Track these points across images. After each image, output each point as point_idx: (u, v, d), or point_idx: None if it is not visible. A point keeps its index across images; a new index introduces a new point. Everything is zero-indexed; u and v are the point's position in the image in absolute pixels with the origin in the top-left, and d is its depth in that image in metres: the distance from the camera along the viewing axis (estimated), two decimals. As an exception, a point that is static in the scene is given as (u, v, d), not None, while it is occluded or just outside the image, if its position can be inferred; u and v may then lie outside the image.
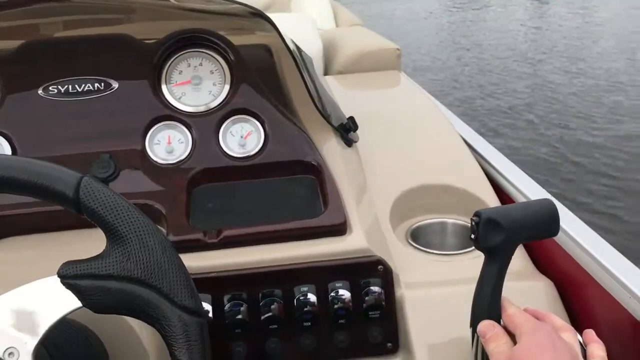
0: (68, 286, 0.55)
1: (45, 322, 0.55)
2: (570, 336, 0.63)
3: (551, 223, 0.68)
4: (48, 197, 0.57)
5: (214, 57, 1.00)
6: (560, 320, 0.66)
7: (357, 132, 1.12)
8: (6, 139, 0.92)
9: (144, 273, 0.54)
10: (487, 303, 0.66)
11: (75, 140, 0.92)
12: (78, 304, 0.55)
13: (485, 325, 0.65)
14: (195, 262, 0.80)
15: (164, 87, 0.98)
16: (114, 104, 0.95)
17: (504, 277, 0.67)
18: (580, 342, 0.65)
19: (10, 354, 0.54)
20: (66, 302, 0.55)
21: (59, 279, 0.55)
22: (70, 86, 0.95)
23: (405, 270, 0.88)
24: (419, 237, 1.01)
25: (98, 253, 0.57)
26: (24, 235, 0.88)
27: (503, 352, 0.62)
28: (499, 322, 0.66)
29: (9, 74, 0.95)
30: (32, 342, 0.54)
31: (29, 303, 0.55)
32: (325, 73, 1.80)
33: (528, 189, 1.04)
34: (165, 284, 0.54)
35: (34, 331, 0.55)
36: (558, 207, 0.93)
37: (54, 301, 0.55)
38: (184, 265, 0.57)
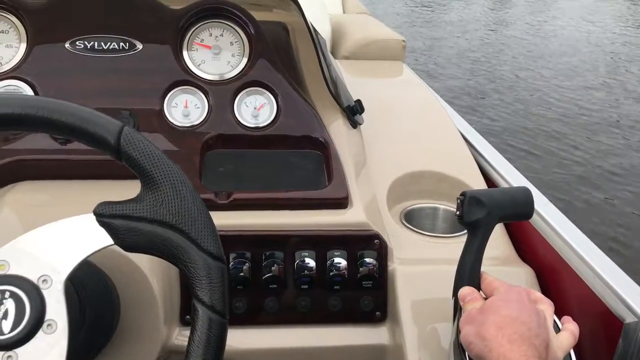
0: (102, 224, 0.59)
1: (79, 255, 0.59)
2: (546, 307, 0.68)
3: (526, 206, 0.75)
4: (90, 141, 0.61)
5: (235, 30, 1.04)
6: (539, 294, 0.71)
7: (362, 116, 1.18)
8: (31, 87, 0.96)
9: (175, 218, 0.59)
10: (468, 272, 0.73)
11: (98, 95, 0.96)
12: (110, 241, 0.60)
13: (466, 290, 0.71)
14: None
15: (185, 53, 1.02)
16: (137, 64, 0.99)
17: (483, 250, 0.74)
18: (555, 319, 0.71)
19: (44, 280, 0.58)
20: (99, 239, 0.60)
21: (94, 217, 0.60)
22: (96, 43, 0.99)
23: (398, 248, 0.94)
24: (412, 219, 1.08)
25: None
26: (43, 180, 0.92)
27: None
28: (478, 291, 0.72)
29: (38, 25, 0.98)
30: (64, 273, 0.58)
31: (65, 237, 0.60)
32: None
33: (517, 182, 1.10)
34: (193, 230, 0.59)
35: (67, 263, 0.59)
36: (543, 202, 1.00)
37: (88, 237, 0.60)
38: (210, 215, 0.61)
